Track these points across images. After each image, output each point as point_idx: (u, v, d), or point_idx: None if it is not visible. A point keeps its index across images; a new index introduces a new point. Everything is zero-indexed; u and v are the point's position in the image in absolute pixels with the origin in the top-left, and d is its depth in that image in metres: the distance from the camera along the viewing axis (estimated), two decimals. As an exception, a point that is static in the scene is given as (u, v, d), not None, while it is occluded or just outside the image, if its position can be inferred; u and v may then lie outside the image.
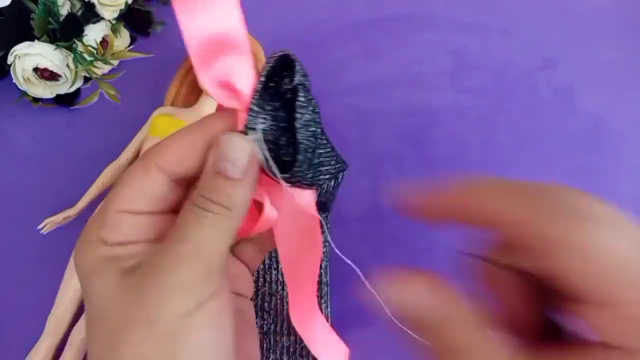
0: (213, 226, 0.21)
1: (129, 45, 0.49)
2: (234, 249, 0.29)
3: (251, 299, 0.38)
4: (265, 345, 0.37)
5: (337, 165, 0.27)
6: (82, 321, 0.38)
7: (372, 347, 0.38)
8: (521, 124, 0.46)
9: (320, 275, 0.38)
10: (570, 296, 0.17)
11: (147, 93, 0.46)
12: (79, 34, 0.45)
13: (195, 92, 0.46)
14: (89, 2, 0.46)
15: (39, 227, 0.41)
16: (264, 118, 0.22)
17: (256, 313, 0.38)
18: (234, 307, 0.23)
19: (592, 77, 0.48)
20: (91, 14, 0.46)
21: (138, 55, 0.47)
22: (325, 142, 0.25)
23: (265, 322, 0.38)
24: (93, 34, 0.45)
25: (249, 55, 0.22)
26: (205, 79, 0.22)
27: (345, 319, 0.39)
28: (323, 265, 0.39)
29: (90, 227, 0.22)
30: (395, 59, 0.49)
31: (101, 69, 0.47)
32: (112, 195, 0.22)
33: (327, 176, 0.26)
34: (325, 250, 0.39)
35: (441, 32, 0.50)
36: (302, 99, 0.22)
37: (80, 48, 0.44)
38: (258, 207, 0.25)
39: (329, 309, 0.38)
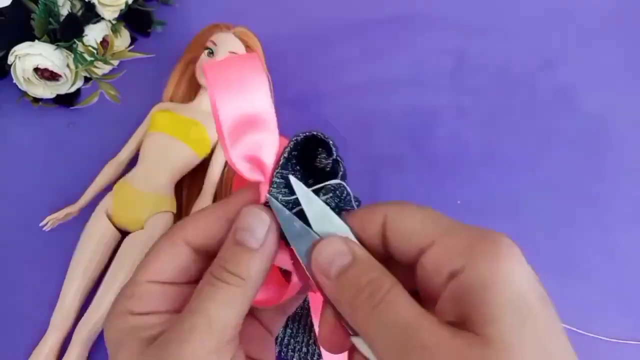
0: (226, 298, 0.21)
1: (129, 45, 0.49)
2: (254, 312, 0.29)
3: None
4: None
5: None
6: (86, 317, 0.38)
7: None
8: (521, 124, 0.46)
9: None
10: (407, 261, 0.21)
11: (147, 93, 0.46)
12: (79, 34, 0.45)
13: (193, 88, 0.46)
14: (89, 2, 0.46)
15: (41, 224, 0.42)
16: (286, 191, 0.23)
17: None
18: None
19: (592, 77, 0.48)
20: (91, 14, 0.46)
21: (138, 55, 0.47)
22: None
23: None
24: (93, 34, 0.45)
25: (276, 133, 0.24)
26: (233, 154, 0.23)
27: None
28: None
29: (119, 299, 0.23)
30: (395, 59, 0.49)
31: (101, 69, 0.47)
32: (140, 266, 0.24)
33: None
34: None
35: (441, 32, 0.50)
36: (342, 171, 0.24)
37: (80, 48, 0.44)
38: (285, 275, 0.26)
39: None
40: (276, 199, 0.23)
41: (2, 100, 0.47)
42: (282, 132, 0.26)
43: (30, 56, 0.43)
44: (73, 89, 0.46)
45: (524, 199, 0.43)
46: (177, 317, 0.22)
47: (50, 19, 0.44)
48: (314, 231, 0.23)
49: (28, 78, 0.44)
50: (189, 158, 0.42)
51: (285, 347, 0.38)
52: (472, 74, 0.48)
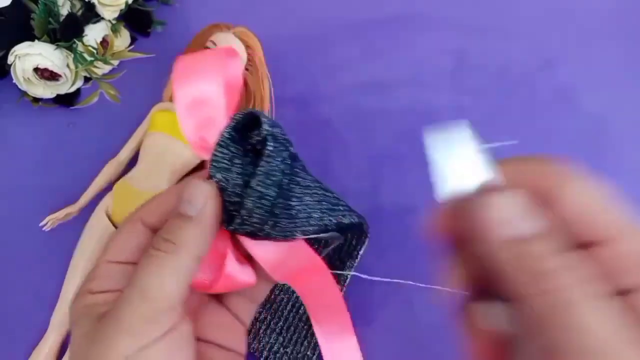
0: (159, 265, 0.21)
1: (129, 45, 0.49)
2: (222, 299, 0.29)
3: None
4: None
5: (328, 219, 0.28)
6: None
7: (372, 347, 0.38)
8: (521, 124, 0.46)
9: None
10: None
11: (147, 93, 0.46)
12: (79, 34, 0.45)
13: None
14: (89, 2, 0.46)
15: (41, 224, 0.42)
16: (228, 169, 0.24)
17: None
18: (200, 352, 0.24)
19: (592, 77, 0.47)
20: (91, 14, 0.46)
21: (138, 55, 0.47)
22: (303, 193, 0.26)
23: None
24: (93, 34, 0.45)
25: (224, 117, 0.26)
26: (188, 130, 0.26)
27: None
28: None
29: (84, 281, 0.24)
30: (395, 59, 0.49)
31: (101, 69, 0.47)
32: (104, 248, 0.24)
33: (309, 228, 0.26)
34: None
35: (441, 32, 0.50)
36: (270, 147, 0.24)
37: (80, 48, 0.44)
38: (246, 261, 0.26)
39: None
40: (215, 175, 0.24)
41: (2, 100, 0.47)
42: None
43: (30, 56, 0.43)
44: (73, 89, 0.46)
45: (524, 199, 0.43)
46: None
47: (50, 19, 0.44)
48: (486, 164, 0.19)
49: (28, 78, 0.44)
50: (188, 158, 0.42)
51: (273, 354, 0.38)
52: (472, 74, 0.48)
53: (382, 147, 0.45)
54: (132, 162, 0.43)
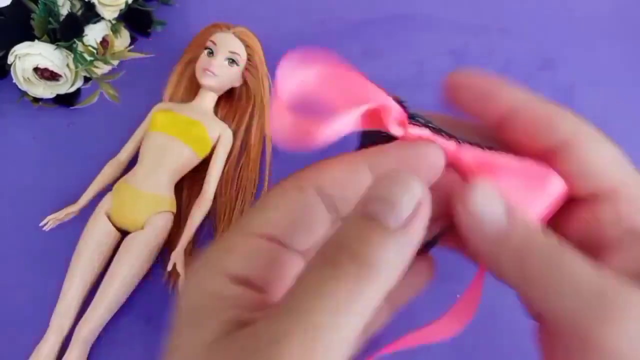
0: (340, 293, 0.14)
1: (129, 45, 0.49)
2: None
3: None
4: None
5: None
6: (86, 317, 0.38)
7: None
8: (521, 124, 0.46)
9: None
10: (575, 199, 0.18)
11: (147, 93, 0.46)
12: (79, 34, 0.45)
13: (194, 87, 0.46)
14: (89, 2, 0.46)
15: (41, 224, 0.42)
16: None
17: None
18: None
19: (592, 77, 0.47)
20: (91, 14, 0.46)
21: (138, 55, 0.47)
22: None
23: None
24: (93, 34, 0.45)
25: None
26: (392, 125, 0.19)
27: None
28: None
29: (213, 251, 0.17)
30: (395, 59, 0.49)
31: (101, 69, 0.47)
32: (250, 214, 0.17)
33: None
34: None
35: (441, 32, 0.50)
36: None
37: (80, 48, 0.44)
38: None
39: None
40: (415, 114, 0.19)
41: (2, 100, 0.47)
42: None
43: (30, 56, 0.43)
44: (73, 89, 0.46)
45: (524, 199, 0.43)
46: (270, 312, 0.15)
47: (50, 19, 0.44)
48: None
49: (28, 78, 0.44)
50: (188, 158, 0.42)
51: None
52: (472, 74, 0.48)
53: (382, 147, 0.45)
54: (132, 162, 0.43)
